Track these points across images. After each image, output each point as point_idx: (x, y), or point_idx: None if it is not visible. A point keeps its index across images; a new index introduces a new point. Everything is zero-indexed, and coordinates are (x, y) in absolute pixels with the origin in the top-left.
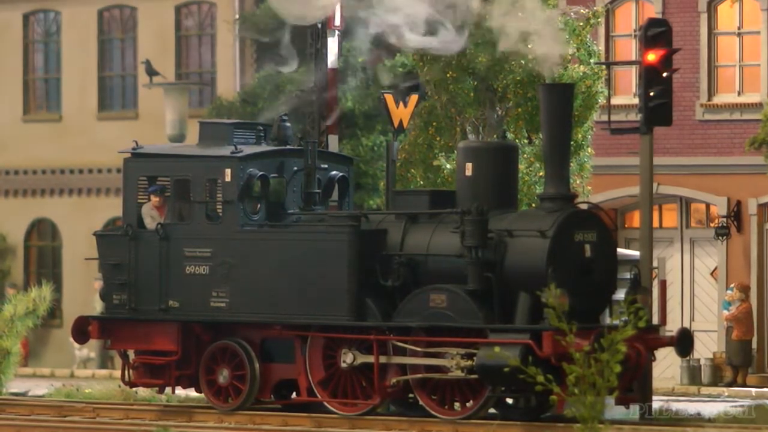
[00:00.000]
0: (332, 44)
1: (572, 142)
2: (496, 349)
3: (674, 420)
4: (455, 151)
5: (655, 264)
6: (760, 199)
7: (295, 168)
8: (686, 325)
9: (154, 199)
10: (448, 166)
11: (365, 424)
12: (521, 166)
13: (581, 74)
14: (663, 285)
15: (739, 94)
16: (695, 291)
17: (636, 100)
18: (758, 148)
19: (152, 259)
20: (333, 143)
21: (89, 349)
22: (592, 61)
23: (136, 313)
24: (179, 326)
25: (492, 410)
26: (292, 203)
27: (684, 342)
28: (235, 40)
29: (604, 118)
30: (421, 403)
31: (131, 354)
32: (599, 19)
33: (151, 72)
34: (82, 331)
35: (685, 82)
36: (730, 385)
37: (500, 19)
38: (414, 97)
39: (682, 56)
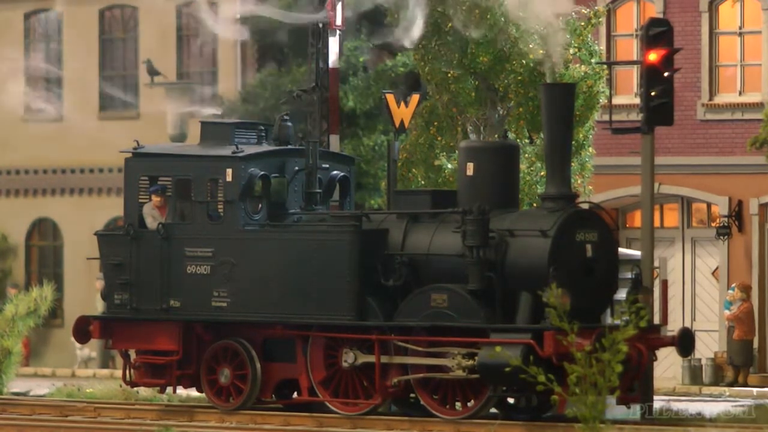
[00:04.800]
0: (333, 44)
1: (573, 142)
2: (498, 348)
3: (675, 420)
4: (456, 151)
5: (656, 264)
6: (762, 199)
7: (297, 168)
8: (687, 324)
9: (156, 198)
10: (450, 165)
11: (367, 424)
12: (522, 166)
13: (582, 74)
14: (664, 285)
15: (740, 93)
16: (696, 291)
17: (637, 100)
18: (759, 147)
19: (153, 259)
20: (334, 143)
21: (90, 349)
22: (593, 60)
23: (137, 312)
24: (180, 326)
25: (493, 410)
26: (294, 203)
27: (685, 342)
28: (236, 39)
29: (606, 117)
30: (422, 402)
31: (132, 354)
32: (600, 19)
33: (153, 72)
34: (83, 330)
35: (687, 81)
36: (731, 384)
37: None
38: (415, 97)
39: (683, 56)
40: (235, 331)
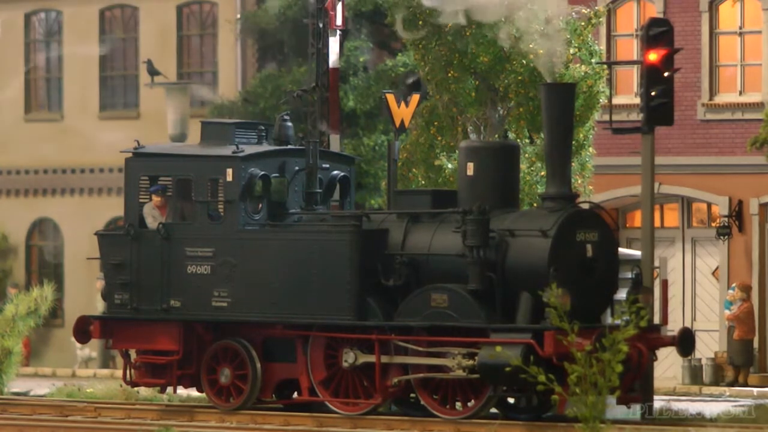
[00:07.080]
0: (333, 44)
1: (574, 142)
2: (498, 348)
3: (676, 420)
4: (457, 151)
5: (656, 263)
6: (762, 199)
7: (297, 167)
8: (688, 324)
9: (156, 198)
10: (450, 165)
11: (367, 424)
12: (523, 166)
13: (583, 74)
14: (664, 284)
15: (740, 93)
16: (697, 291)
17: (637, 100)
18: (760, 147)
19: (154, 259)
20: (334, 143)
21: (91, 349)
22: (593, 60)
23: (137, 312)
24: (181, 326)
25: (493, 410)
26: (294, 203)
27: (685, 342)
28: (236, 39)
29: (606, 117)
30: (422, 402)
31: (133, 353)
32: (601, 19)
33: (153, 72)
34: (83, 330)
35: (687, 81)
36: (731, 384)
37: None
38: (415, 97)
39: (683, 56)
40: (235, 331)
